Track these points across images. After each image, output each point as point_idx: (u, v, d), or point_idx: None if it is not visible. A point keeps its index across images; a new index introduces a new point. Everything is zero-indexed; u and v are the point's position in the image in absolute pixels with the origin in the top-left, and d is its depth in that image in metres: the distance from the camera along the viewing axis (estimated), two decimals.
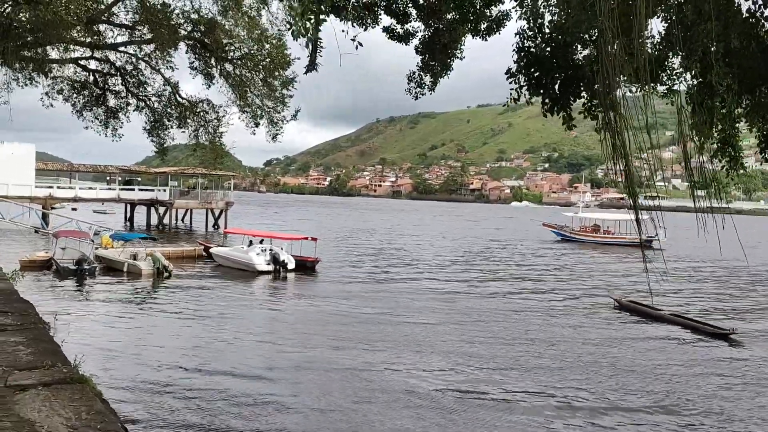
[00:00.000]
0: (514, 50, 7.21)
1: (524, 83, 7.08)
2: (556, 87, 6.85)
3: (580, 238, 65.57)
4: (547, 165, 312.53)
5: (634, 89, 5.62)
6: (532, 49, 7.07)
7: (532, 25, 7.31)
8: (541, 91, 6.94)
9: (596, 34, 6.07)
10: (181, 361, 16.28)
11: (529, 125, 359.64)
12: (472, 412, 13.46)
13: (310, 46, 6.37)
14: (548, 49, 6.88)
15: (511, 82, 7.14)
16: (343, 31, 6.96)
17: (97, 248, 33.47)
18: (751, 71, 6.08)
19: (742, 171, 7.80)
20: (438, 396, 14.33)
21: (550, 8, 7.71)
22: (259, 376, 15.38)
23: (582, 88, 6.71)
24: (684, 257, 49.75)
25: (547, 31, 7.23)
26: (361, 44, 6.91)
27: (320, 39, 6.66)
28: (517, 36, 7.24)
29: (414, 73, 9.31)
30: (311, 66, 7.16)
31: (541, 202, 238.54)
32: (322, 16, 5.89)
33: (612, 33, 4.11)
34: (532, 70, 6.92)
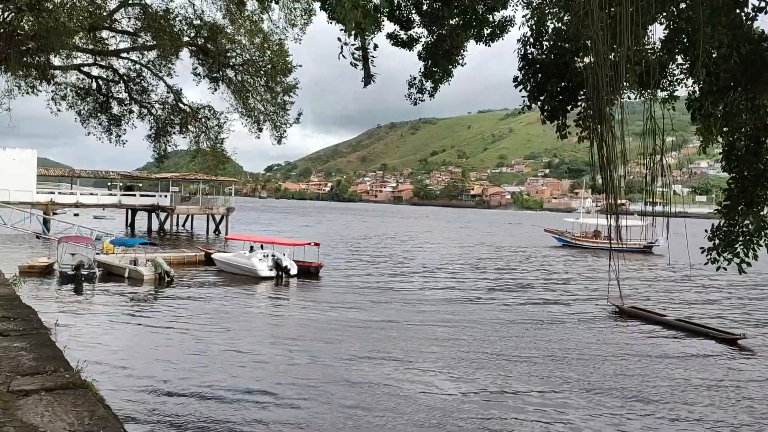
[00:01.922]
0: (518, 57, 7.20)
1: (530, 90, 7.05)
2: (557, 94, 6.83)
3: (582, 244, 65.56)
4: (547, 171, 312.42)
5: (632, 96, 5.65)
6: (536, 56, 7.07)
7: (534, 32, 7.30)
8: (541, 98, 6.93)
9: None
10: (183, 367, 16.26)
11: (530, 131, 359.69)
12: (477, 420, 13.42)
13: (361, 59, 6.33)
14: (551, 56, 6.87)
15: (520, 90, 7.13)
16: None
17: (98, 254, 33.47)
18: (727, 76, 6.07)
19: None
20: (442, 403, 14.30)
21: (554, 15, 7.72)
22: (262, 382, 15.35)
23: (579, 97, 6.70)
24: (685, 263, 49.68)
25: (549, 38, 7.22)
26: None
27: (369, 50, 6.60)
28: (520, 42, 7.24)
29: (415, 78, 9.33)
30: (368, 78, 7.09)
31: (542, 207, 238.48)
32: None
33: (603, 43, 4.13)
34: (535, 76, 6.90)
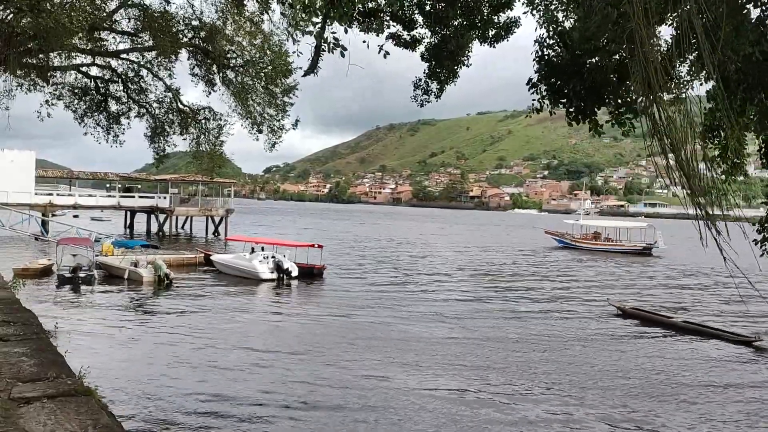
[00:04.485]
0: (534, 59, 7.04)
1: (545, 93, 6.91)
2: (581, 95, 6.65)
3: (581, 246, 65.56)
4: (546, 172, 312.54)
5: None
6: (553, 58, 6.91)
7: (552, 33, 7.15)
8: (563, 101, 6.78)
9: (610, 42, 6.00)
10: (185, 372, 16.16)
11: (528, 132, 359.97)
12: (480, 424, 13.35)
13: (313, 49, 6.35)
14: (569, 56, 6.72)
15: (532, 93, 6.98)
16: (334, 36, 6.88)
17: (97, 255, 33.33)
18: (755, 78, 6.01)
19: (741, 177, 7.74)
20: (444, 406, 14.22)
21: (568, 15, 7.60)
22: (263, 386, 15.26)
23: (606, 96, 6.54)
24: (686, 264, 49.71)
25: (567, 38, 7.08)
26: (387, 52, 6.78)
27: (325, 41, 6.58)
28: (536, 44, 7.09)
29: (420, 80, 9.23)
30: (312, 69, 7.10)
31: (541, 209, 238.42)
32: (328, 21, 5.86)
33: (647, 33, 4.05)
34: (553, 79, 6.76)
